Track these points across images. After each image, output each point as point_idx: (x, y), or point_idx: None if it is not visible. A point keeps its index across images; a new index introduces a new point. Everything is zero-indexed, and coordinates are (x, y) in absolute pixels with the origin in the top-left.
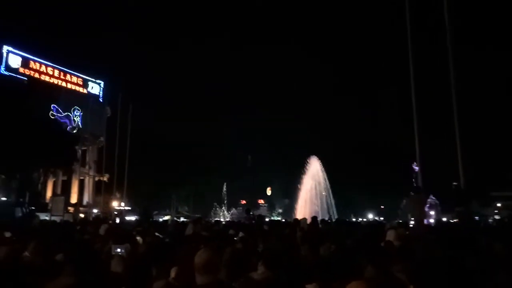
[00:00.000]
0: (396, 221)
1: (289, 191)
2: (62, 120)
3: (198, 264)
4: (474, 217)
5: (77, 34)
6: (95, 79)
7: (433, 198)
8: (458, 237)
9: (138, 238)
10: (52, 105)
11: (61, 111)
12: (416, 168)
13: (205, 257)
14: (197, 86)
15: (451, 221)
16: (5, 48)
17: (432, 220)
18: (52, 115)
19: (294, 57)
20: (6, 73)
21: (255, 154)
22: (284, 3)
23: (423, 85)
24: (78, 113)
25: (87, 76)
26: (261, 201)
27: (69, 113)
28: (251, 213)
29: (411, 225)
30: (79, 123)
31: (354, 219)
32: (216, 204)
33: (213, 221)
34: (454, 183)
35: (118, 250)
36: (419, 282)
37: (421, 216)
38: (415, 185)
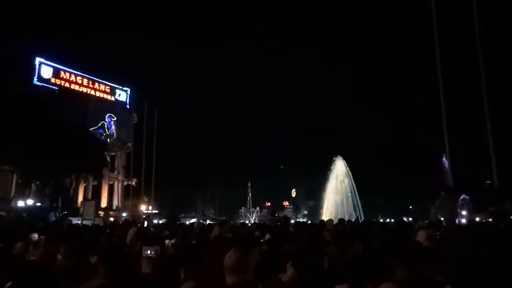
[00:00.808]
0: (426, 221)
1: (314, 193)
2: (109, 127)
3: (228, 265)
4: (509, 216)
5: (104, 42)
6: (122, 87)
7: (465, 197)
8: (492, 238)
9: (166, 241)
10: (107, 115)
11: (112, 120)
12: (446, 167)
13: (235, 257)
14: (222, 90)
15: (484, 220)
16: (38, 59)
17: (464, 220)
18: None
19: (317, 61)
20: (38, 83)
21: (280, 156)
22: (302, 10)
23: (451, 83)
24: (113, 120)
25: (114, 83)
26: (286, 203)
27: (104, 122)
28: (276, 214)
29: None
30: (113, 131)
31: (381, 220)
32: (242, 206)
33: (239, 223)
34: (487, 182)
35: (148, 252)
36: (455, 283)
37: (452, 216)
38: (446, 185)
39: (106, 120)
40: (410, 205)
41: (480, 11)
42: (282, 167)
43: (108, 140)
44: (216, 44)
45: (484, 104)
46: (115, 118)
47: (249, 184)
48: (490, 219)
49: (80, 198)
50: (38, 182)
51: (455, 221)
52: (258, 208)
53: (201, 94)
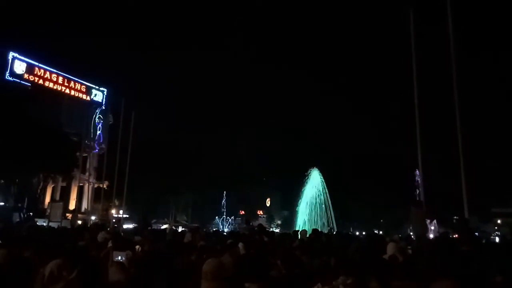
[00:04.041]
0: (397, 235)
1: (289, 203)
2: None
3: (207, 272)
4: (475, 233)
5: (81, 41)
6: (99, 87)
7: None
8: (462, 255)
9: (136, 246)
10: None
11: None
12: (418, 181)
13: (214, 264)
14: (200, 96)
15: (452, 236)
16: (11, 54)
17: (431, 235)
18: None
19: (295, 73)
20: (10, 78)
21: (256, 165)
22: (289, 25)
23: (427, 99)
24: (101, 122)
25: (90, 83)
26: (260, 212)
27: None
28: (250, 223)
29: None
30: (101, 134)
31: (352, 232)
32: (215, 214)
33: (211, 230)
34: (455, 217)
35: (119, 257)
36: None
37: (422, 230)
38: (416, 199)
39: (97, 121)
40: (382, 218)
41: (458, 28)
42: (264, 179)
43: (98, 146)
44: (199, 49)
45: (457, 120)
46: (103, 121)
47: (224, 193)
48: (456, 235)
49: (48, 199)
50: (2, 181)
51: (425, 235)
52: (232, 216)
53: (180, 99)
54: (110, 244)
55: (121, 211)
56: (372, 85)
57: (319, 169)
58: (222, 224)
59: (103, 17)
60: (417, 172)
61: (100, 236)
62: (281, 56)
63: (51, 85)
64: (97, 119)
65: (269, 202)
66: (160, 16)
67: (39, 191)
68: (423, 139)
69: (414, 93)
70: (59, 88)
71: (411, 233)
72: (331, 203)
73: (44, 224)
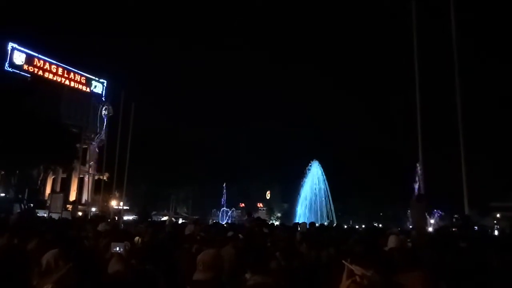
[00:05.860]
0: (398, 228)
1: (289, 196)
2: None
3: (199, 261)
4: (474, 227)
5: (80, 32)
6: (98, 78)
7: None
8: (461, 249)
9: (136, 238)
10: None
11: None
12: (419, 176)
13: (210, 255)
14: (201, 90)
15: (451, 230)
16: (10, 44)
17: (430, 228)
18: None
19: (297, 67)
20: (9, 69)
21: (256, 158)
22: (289, 22)
23: (428, 94)
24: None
25: (90, 74)
26: (260, 205)
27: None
28: (252, 215)
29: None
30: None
31: (351, 225)
32: (215, 206)
33: (211, 223)
34: (455, 216)
35: (117, 248)
36: None
37: (423, 224)
38: (418, 193)
39: (103, 113)
40: (381, 212)
41: (460, 28)
42: (264, 172)
43: (97, 137)
44: (199, 45)
45: (458, 115)
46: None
47: (224, 185)
48: (455, 229)
49: (48, 190)
50: (3, 172)
51: (425, 228)
52: (233, 209)
53: (181, 93)
54: (104, 240)
55: (121, 203)
56: (374, 78)
57: (320, 162)
58: (222, 216)
59: (104, 14)
60: (418, 166)
61: (101, 227)
62: (281, 50)
63: (50, 76)
64: (103, 111)
65: (269, 195)
66: (161, 13)
67: (39, 182)
68: (424, 133)
69: (416, 87)
70: (58, 79)
71: (411, 227)
72: (331, 196)
73: (45, 215)
